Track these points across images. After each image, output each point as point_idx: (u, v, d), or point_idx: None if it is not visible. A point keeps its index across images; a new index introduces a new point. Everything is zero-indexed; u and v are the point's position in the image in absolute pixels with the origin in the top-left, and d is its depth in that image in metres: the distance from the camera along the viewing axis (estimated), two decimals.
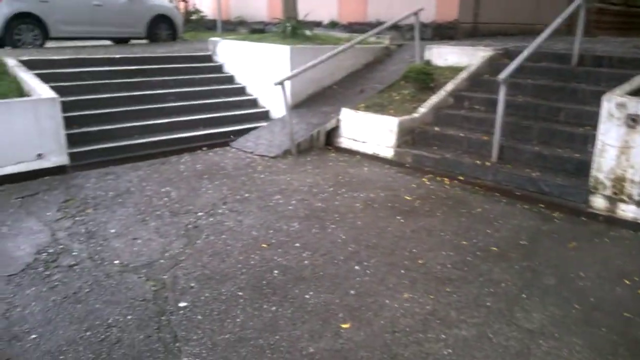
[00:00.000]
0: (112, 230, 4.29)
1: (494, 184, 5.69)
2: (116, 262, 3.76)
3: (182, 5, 15.83)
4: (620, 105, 4.62)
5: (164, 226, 4.41)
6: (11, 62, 6.89)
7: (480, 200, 5.26)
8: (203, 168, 6.10)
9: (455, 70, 7.89)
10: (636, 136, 4.54)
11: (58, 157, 5.84)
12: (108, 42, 11.41)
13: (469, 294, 3.46)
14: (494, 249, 4.14)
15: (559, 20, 6.46)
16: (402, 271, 3.72)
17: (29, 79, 6.31)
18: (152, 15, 11.20)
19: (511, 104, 6.30)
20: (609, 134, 4.74)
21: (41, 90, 5.99)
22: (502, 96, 5.69)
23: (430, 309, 3.27)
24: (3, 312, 3.10)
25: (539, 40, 6.10)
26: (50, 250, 3.90)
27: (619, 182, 4.74)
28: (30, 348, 2.78)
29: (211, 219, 4.58)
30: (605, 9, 14.11)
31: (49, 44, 9.97)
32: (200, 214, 4.70)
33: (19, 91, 6.02)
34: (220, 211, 4.78)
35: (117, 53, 8.65)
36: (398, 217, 4.74)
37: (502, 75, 5.66)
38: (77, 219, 4.51)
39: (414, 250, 4.07)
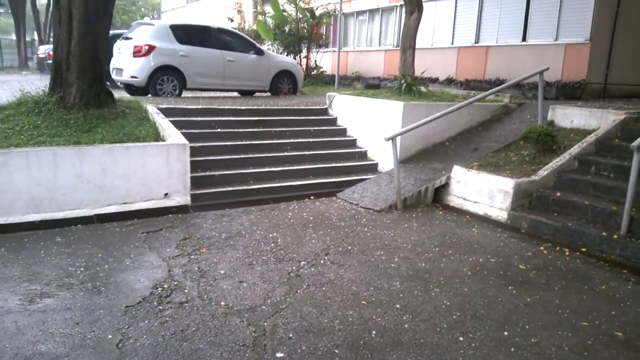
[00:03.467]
0: (222, 271, 4.51)
1: (621, 260, 5.13)
2: (222, 303, 3.93)
3: (304, 61, 16.86)
4: None
5: (268, 272, 4.55)
6: (152, 110, 7.78)
7: (605, 276, 4.73)
8: (309, 217, 6.25)
9: (581, 133, 7.38)
10: None
11: (182, 197, 6.38)
12: (235, 94, 12.46)
13: None
14: (619, 334, 3.66)
15: None
16: (512, 349, 3.41)
17: (165, 125, 7.05)
18: (277, 71, 12.07)
19: None
20: None
21: (174, 136, 6.66)
22: (635, 163, 5.19)
23: None
24: (117, 342, 3.35)
25: None
26: (165, 286, 4.19)
27: None
28: None
29: (313, 269, 4.63)
30: None
31: (185, 94, 11.14)
32: (302, 262, 4.78)
33: (156, 136, 6.73)
34: (322, 262, 4.82)
35: (243, 104, 9.39)
36: (510, 288, 4.40)
37: (637, 141, 5.16)
38: (192, 257, 4.83)
39: (527, 326, 3.73)
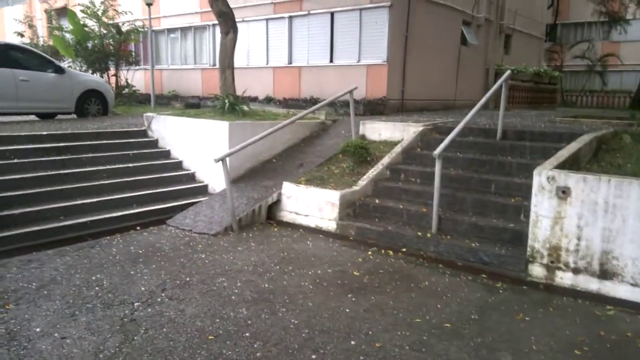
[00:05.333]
0: (37, 329, 3.81)
1: (436, 256, 5.77)
2: None
3: (113, 79, 15.59)
4: (551, 178, 4.94)
5: (96, 321, 3.99)
6: None
7: (426, 273, 5.28)
8: (137, 250, 5.72)
9: (389, 145, 8.19)
10: (567, 207, 4.84)
11: None
12: (33, 117, 10.88)
13: None
14: (447, 325, 4.10)
15: (487, 96, 6.99)
16: (361, 357, 3.55)
17: None
18: (82, 90, 10.89)
19: (444, 176, 6.52)
20: (542, 206, 5.01)
21: None
22: (438, 170, 5.90)
23: None
24: None
25: (468, 116, 6.51)
26: None
27: (554, 251, 4.97)
28: None
29: (149, 310, 4.22)
30: (517, 86, 15.58)
31: None
32: (137, 304, 4.32)
33: None
34: (159, 300, 4.42)
35: (44, 129, 8.24)
36: (349, 296, 4.62)
37: (437, 150, 5.90)
38: None
39: (370, 332, 3.94)
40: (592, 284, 4.80)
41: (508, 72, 7.47)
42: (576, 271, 4.88)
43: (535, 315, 4.31)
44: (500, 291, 4.83)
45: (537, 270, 5.11)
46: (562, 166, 5.27)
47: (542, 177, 5.00)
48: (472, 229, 5.91)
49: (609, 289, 4.72)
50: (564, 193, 4.84)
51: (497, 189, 6.42)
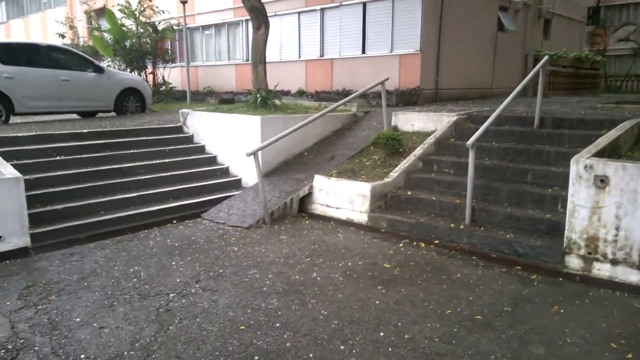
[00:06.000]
0: (77, 319, 4.00)
1: (469, 247, 5.68)
2: (82, 356, 3.47)
3: (150, 77, 16.00)
4: (589, 167, 4.76)
5: (133, 311, 4.15)
6: None
7: (458, 265, 5.21)
8: (173, 243, 5.89)
9: (422, 135, 8.09)
10: (605, 196, 4.67)
11: (19, 238, 5.56)
12: (74, 116, 11.32)
13: None
14: (479, 317, 4.04)
15: (523, 83, 6.79)
16: (390, 349, 3.56)
17: None
18: (121, 89, 11.24)
19: (479, 166, 6.41)
20: (579, 195, 4.84)
21: (4, 169, 5.79)
22: (471, 160, 5.81)
23: None
24: None
25: (503, 105, 6.36)
26: (9, 346, 3.58)
27: (592, 241, 4.81)
28: None
29: (184, 301, 4.35)
30: (557, 71, 15.02)
31: (15, 120, 9.82)
32: (172, 295, 4.47)
33: None
34: (193, 291, 4.55)
35: (85, 127, 8.56)
36: (379, 287, 4.62)
37: (471, 140, 5.80)
38: (39, 307, 4.21)
39: (399, 323, 3.93)
40: (631, 276, 4.62)
41: (546, 57, 7.24)
42: (614, 262, 4.71)
43: (571, 308, 4.19)
44: (535, 283, 4.72)
45: (573, 262, 4.96)
46: (600, 154, 5.07)
47: (579, 166, 4.84)
48: (507, 220, 5.78)
49: None
50: (602, 182, 4.67)
51: (533, 179, 6.25)
